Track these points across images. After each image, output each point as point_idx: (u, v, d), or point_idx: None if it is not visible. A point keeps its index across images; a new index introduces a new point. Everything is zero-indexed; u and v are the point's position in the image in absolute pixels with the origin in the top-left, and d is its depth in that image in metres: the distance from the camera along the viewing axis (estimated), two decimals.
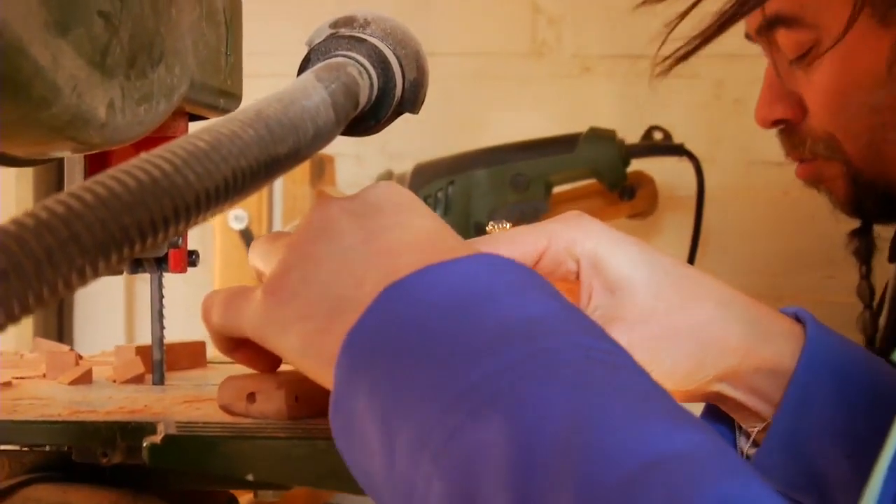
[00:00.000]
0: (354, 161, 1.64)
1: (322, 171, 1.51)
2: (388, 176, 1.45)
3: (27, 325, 1.50)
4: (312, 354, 0.47)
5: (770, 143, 1.08)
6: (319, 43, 0.60)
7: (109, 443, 0.55)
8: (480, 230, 1.31)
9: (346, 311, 0.45)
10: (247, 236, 1.46)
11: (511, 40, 1.64)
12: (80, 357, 0.85)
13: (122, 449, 0.55)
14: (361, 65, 0.57)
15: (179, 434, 0.52)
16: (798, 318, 0.60)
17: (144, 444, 0.52)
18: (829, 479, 0.58)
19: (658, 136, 1.42)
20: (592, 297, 0.58)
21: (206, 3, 0.63)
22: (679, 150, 1.41)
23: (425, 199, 1.39)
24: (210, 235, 1.52)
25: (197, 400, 0.64)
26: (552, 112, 1.61)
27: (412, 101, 0.62)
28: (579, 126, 1.41)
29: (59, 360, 0.73)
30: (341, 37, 0.60)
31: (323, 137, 0.47)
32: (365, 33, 0.61)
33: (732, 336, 0.58)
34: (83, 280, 0.35)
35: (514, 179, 1.38)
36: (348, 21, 0.62)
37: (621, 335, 0.56)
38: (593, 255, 0.57)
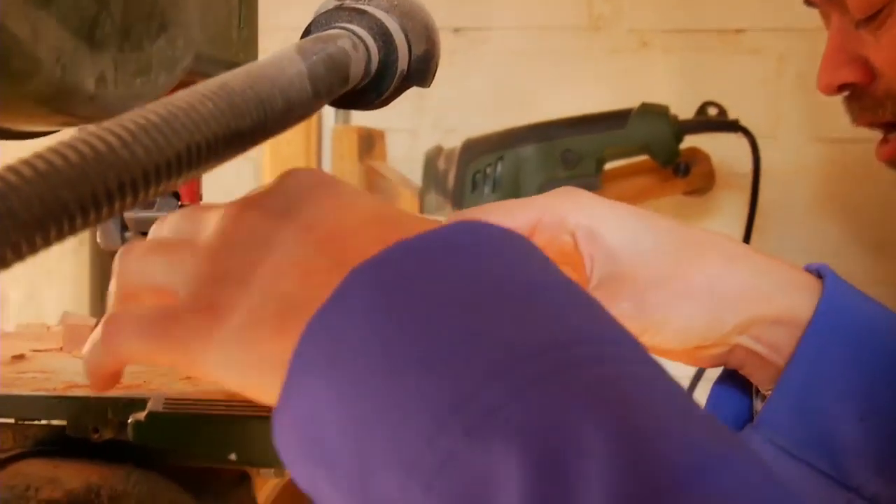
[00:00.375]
0: (408, 135, 1.62)
1: (372, 146, 1.49)
2: (437, 152, 1.43)
3: (83, 301, 1.51)
4: (260, 366, 0.39)
5: (834, 119, 1.04)
6: (320, 15, 0.59)
7: (101, 418, 0.55)
8: None
9: (296, 308, 0.38)
10: None
11: (568, 14, 1.61)
12: None
13: (114, 425, 0.55)
14: (359, 37, 0.56)
15: (164, 411, 0.52)
16: (819, 275, 0.58)
17: (129, 421, 0.52)
18: (841, 441, 0.55)
19: (712, 111, 1.39)
20: (595, 267, 0.56)
21: None
22: (733, 126, 1.37)
23: (474, 175, 1.37)
24: None
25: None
26: (609, 87, 1.58)
27: (421, 74, 0.61)
28: (637, 101, 1.38)
29: (76, 333, 0.73)
30: (343, 9, 0.59)
31: (296, 111, 0.45)
32: (370, 5, 0.60)
33: (747, 287, 0.56)
34: (19, 256, 0.34)
35: (564, 155, 1.36)
36: None
37: (633, 300, 0.55)
38: (589, 226, 0.56)
